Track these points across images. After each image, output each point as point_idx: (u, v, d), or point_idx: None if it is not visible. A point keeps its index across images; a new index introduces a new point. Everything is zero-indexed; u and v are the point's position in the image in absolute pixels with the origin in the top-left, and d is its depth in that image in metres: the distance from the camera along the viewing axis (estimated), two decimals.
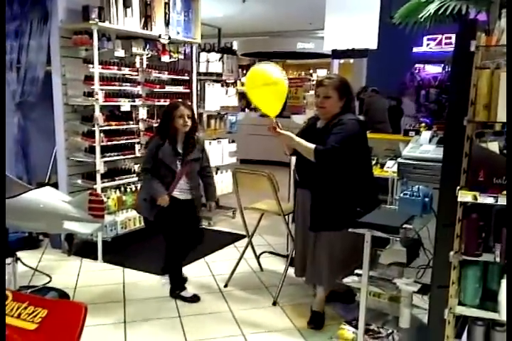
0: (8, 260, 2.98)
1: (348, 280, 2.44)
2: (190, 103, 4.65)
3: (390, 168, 3.78)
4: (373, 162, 4.00)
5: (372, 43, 4.36)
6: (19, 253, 3.12)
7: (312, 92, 3.71)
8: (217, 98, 5.10)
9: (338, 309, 3.11)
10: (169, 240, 3.22)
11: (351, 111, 2.89)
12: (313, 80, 10.81)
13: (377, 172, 3.90)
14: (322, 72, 10.92)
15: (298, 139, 2.77)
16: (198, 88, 4.92)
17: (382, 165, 3.95)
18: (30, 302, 1.68)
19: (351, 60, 9.00)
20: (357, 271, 2.42)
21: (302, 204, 2.94)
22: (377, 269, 2.44)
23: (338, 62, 9.26)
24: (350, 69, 9.27)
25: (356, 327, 2.44)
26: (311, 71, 12.28)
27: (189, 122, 3.09)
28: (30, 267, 3.40)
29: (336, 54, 4.52)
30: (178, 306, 3.16)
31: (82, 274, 3.70)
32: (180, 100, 4.23)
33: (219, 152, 5.20)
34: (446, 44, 7.86)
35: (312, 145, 2.70)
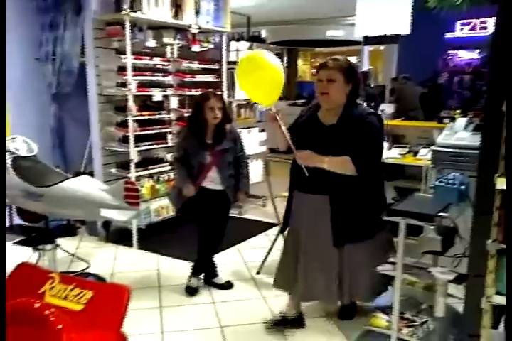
0: (49, 246, 3.11)
1: (383, 268, 2.43)
2: (220, 93, 4.66)
3: (424, 156, 3.74)
4: (406, 150, 3.96)
5: (404, 29, 4.28)
6: (58, 240, 3.24)
7: None
8: None
9: None
10: (199, 229, 3.22)
11: (359, 102, 2.52)
12: None
13: (410, 160, 3.87)
14: (352, 60, 10.81)
15: (327, 158, 2.31)
16: (228, 77, 4.93)
17: (416, 153, 3.90)
18: (77, 284, 1.75)
19: (382, 47, 8.85)
20: (391, 259, 2.41)
21: (314, 214, 2.50)
22: (412, 257, 2.43)
23: (368, 49, 9.13)
24: (381, 56, 9.13)
25: (389, 314, 2.44)
26: None
27: (220, 114, 2.97)
28: (69, 253, 3.51)
29: (368, 40, 4.45)
30: (212, 292, 3.23)
31: (118, 260, 3.80)
32: (211, 90, 4.27)
33: (249, 141, 5.21)
34: (480, 28, 7.64)
35: (346, 158, 2.30)
